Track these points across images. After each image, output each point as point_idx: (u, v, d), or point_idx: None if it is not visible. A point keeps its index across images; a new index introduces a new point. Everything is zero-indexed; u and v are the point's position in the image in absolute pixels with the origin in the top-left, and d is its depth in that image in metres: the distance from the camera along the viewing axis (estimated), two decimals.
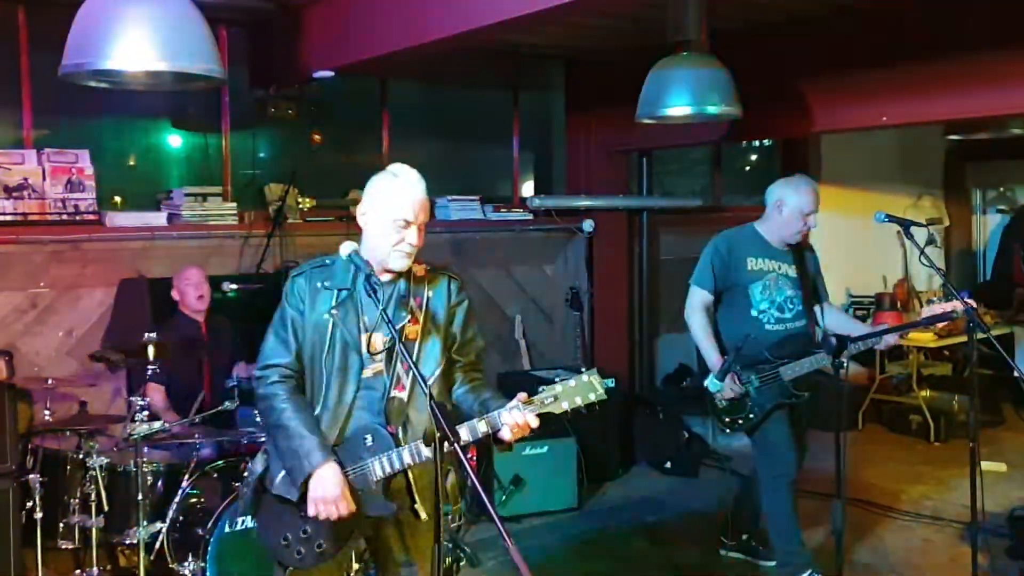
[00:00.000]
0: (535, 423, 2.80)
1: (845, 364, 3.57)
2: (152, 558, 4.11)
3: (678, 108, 4.57)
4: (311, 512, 2.74)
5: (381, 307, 2.74)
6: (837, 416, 3.58)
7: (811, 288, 4.54)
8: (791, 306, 4.46)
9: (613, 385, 6.31)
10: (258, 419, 3.93)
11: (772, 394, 4.34)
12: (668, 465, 6.56)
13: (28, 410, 4.73)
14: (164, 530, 4.13)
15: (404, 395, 2.83)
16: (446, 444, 2.47)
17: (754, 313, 4.43)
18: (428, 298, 2.91)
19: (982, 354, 3.91)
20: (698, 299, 4.50)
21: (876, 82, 5.21)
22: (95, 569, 4.13)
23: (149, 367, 4.32)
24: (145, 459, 4.09)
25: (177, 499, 4.19)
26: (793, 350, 4.35)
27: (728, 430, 4.51)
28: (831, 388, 3.77)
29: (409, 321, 2.83)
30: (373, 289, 2.76)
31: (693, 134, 6.28)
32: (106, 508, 4.12)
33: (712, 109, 4.55)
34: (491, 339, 6.78)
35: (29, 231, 5.01)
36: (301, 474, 2.72)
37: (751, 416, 4.38)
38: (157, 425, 4.11)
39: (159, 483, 4.31)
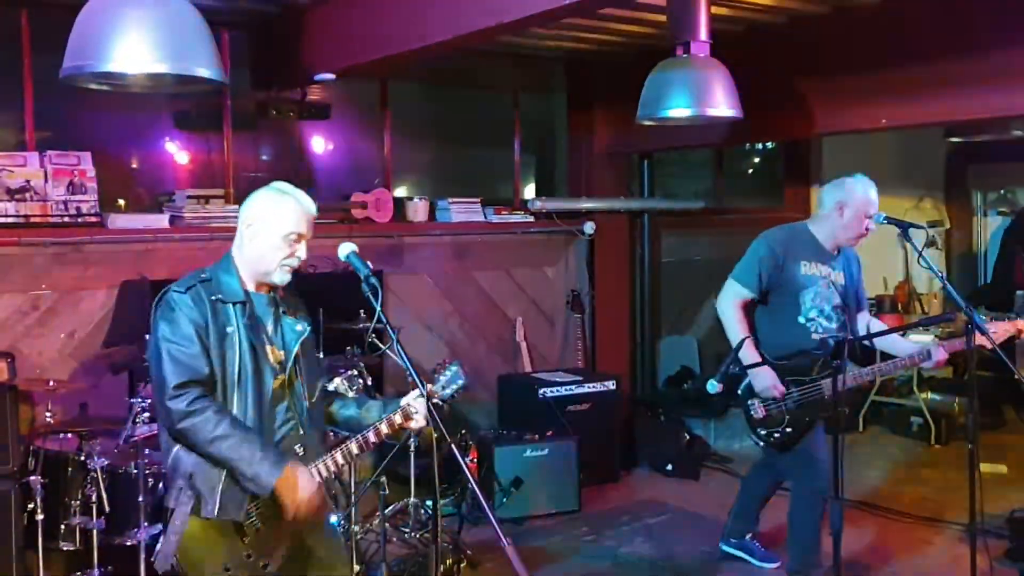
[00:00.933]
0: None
1: (843, 365, 3.55)
2: (153, 560, 4.11)
3: (678, 110, 4.56)
4: (292, 515, 2.74)
5: (271, 320, 2.87)
6: (836, 417, 3.58)
7: (854, 295, 4.43)
8: (838, 315, 4.31)
9: (615, 387, 6.33)
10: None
11: (811, 409, 4.20)
12: (669, 467, 6.56)
13: (30, 412, 4.74)
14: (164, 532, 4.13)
15: (307, 404, 2.89)
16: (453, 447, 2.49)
17: (801, 320, 4.27)
18: (297, 312, 3.00)
19: (982, 357, 3.90)
20: (736, 294, 4.33)
21: (877, 84, 5.21)
22: (96, 571, 4.13)
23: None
24: (146, 461, 4.10)
25: None
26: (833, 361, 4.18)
27: (763, 443, 4.33)
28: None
29: (307, 334, 2.94)
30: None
31: (694, 136, 6.28)
32: (107, 510, 4.12)
33: (712, 111, 4.54)
34: (492, 341, 6.79)
35: (31, 233, 5.02)
36: (268, 478, 2.68)
37: (789, 430, 4.23)
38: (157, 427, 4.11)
39: (160, 485, 4.31)
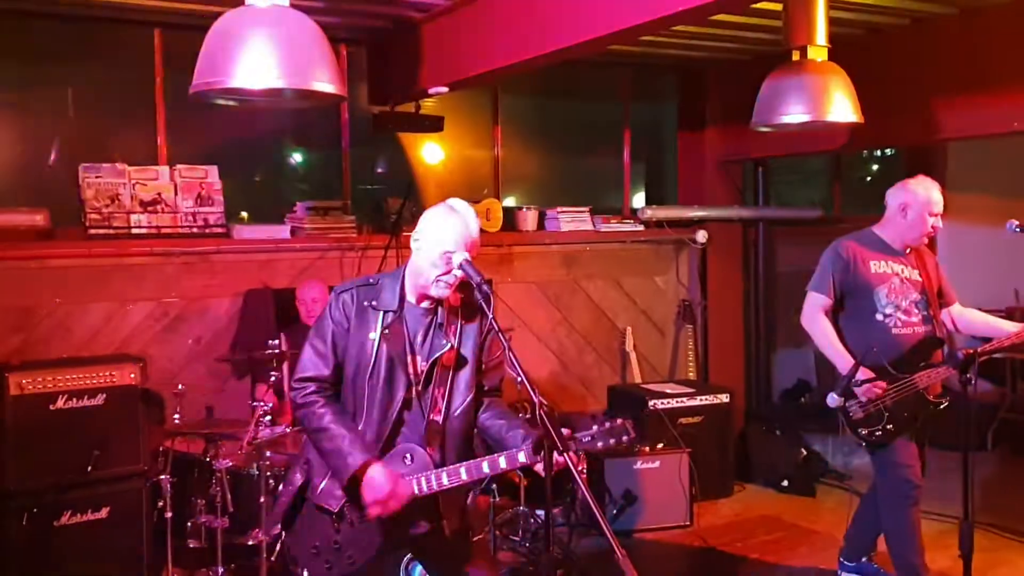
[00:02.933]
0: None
1: (972, 380, 3.41)
2: (272, 559, 4.25)
3: (794, 115, 4.47)
4: (372, 514, 2.81)
5: (422, 332, 2.90)
6: (965, 434, 3.44)
7: (936, 291, 4.41)
8: (917, 310, 4.32)
9: (728, 400, 6.22)
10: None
11: (909, 404, 4.21)
12: (785, 483, 6.40)
13: (159, 414, 4.97)
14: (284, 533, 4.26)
15: (440, 419, 2.91)
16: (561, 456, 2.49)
17: (879, 317, 4.30)
18: (462, 327, 2.98)
19: None
20: (817, 304, 4.39)
21: (1006, 87, 4.99)
22: (220, 568, 4.30)
23: (272, 373, 4.48)
24: (267, 463, 4.23)
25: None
26: (925, 356, 4.23)
27: (864, 444, 4.33)
28: (956, 405, 3.63)
29: (448, 349, 2.92)
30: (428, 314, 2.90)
31: (810, 142, 6.13)
32: (230, 510, 4.28)
33: (829, 116, 4.44)
34: (601, 351, 6.76)
35: (162, 244, 5.28)
36: (346, 471, 2.79)
37: (889, 427, 4.22)
38: (279, 430, 4.25)
39: (280, 487, 4.44)
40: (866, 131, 4.98)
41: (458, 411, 2.95)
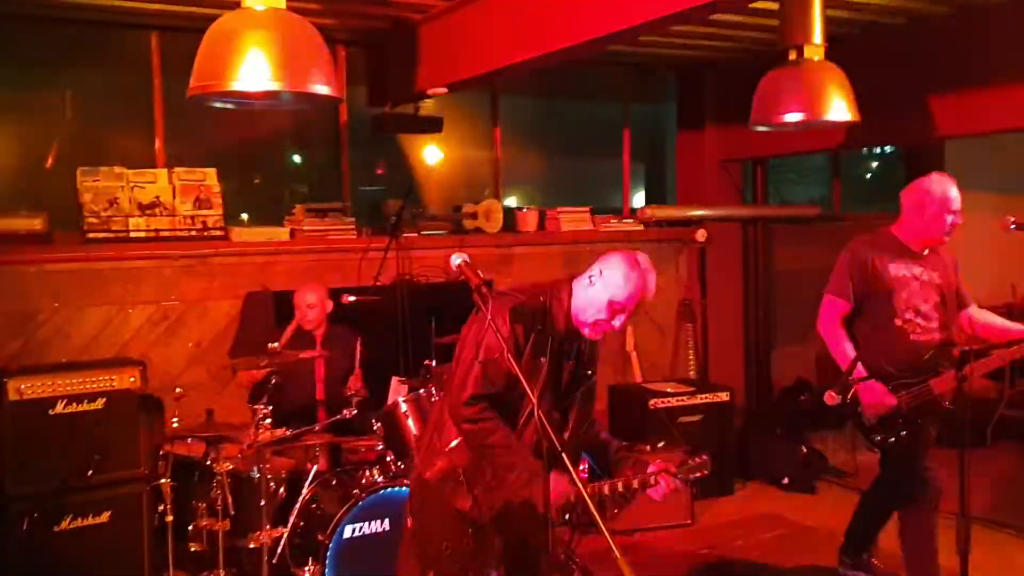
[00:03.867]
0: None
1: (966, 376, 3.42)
2: (274, 562, 4.25)
3: (791, 115, 4.47)
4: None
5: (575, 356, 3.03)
6: (961, 431, 3.44)
7: (954, 293, 4.33)
8: (936, 314, 4.23)
9: (728, 398, 6.22)
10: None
11: (923, 410, 4.12)
12: (785, 481, 6.41)
13: (159, 417, 4.97)
14: (285, 535, 4.27)
15: (567, 437, 3.02)
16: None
17: (898, 323, 4.20)
18: (591, 348, 3.11)
19: None
20: (834, 310, 4.29)
21: (1002, 86, 4.99)
22: (222, 572, 4.29)
23: (272, 378, 4.49)
24: (268, 466, 4.23)
25: (298, 505, 4.33)
26: (942, 362, 4.14)
27: (877, 450, 4.28)
28: (953, 402, 3.64)
29: (591, 377, 3.09)
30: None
31: (808, 141, 6.14)
32: (231, 512, 4.28)
33: (826, 115, 4.44)
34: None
35: (161, 247, 5.28)
36: (539, 475, 2.75)
37: (904, 433, 4.16)
38: (280, 433, 4.25)
39: (281, 489, 4.46)
40: (863, 129, 4.98)
41: (582, 431, 3.08)
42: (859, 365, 4.16)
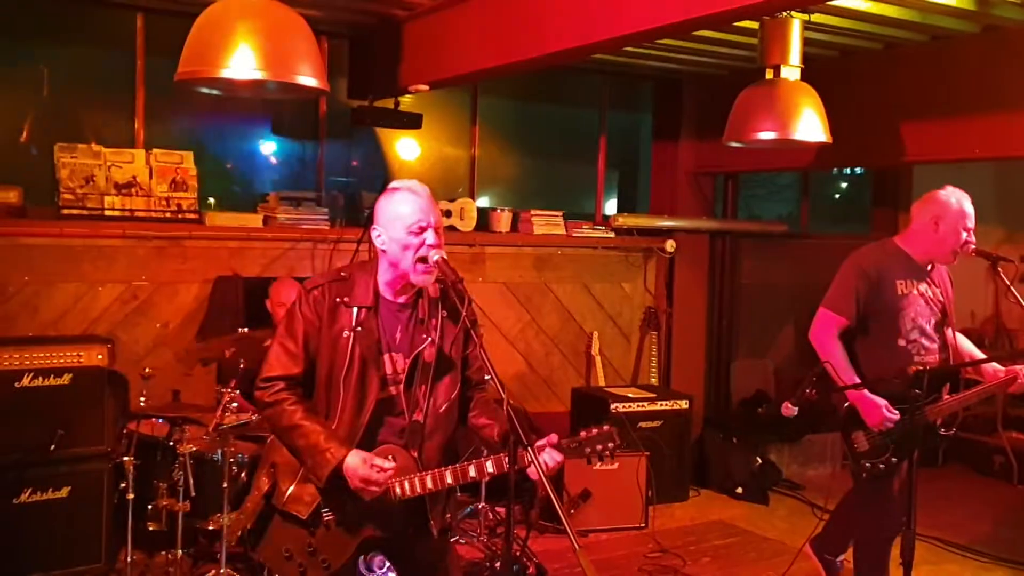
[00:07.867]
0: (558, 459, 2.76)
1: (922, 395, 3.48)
2: (232, 544, 4.28)
3: (765, 132, 4.57)
4: (368, 498, 2.72)
5: (401, 328, 2.80)
6: (911, 447, 3.53)
7: (951, 312, 4.16)
8: (936, 334, 4.04)
9: (687, 406, 6.33)
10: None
11: (916, 436, 3.75)
12: (739, 490, 6.53)
13: (125, 396, 4.98)
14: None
15: (421, 419, 2.81)
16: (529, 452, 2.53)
17: (902, 343, 3.97)
18: (443, 321, 2.87)
19: None
20: (834, 326, 4.02)
21: (971, 114, 5.14)
22: (180, 552, 4.32)
23: (241, 362, 4.50)
24: (231, 449, 4.25)
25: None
26: (941, 385, 3.98)
27: (866, 475, 4.02)
28: (904, 419, 3.72)
29: (428, 343, 2.82)
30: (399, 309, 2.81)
31: (780, 159, 6.26)
32: (192, 494, 4.30)
33: (798, 135, 4.54)
34: (567, 353, 6.84)
35: (135, 227, 5.28)
36: (326, 466, 2.67)
37: (894, 460, 3.94)
38: (244, 417, 4.27)
39: (243, 473, 4.48)
40: (834, 151, 5.11)
41: (442, 410, 2.85)
42: (853, 376, 3.95)
